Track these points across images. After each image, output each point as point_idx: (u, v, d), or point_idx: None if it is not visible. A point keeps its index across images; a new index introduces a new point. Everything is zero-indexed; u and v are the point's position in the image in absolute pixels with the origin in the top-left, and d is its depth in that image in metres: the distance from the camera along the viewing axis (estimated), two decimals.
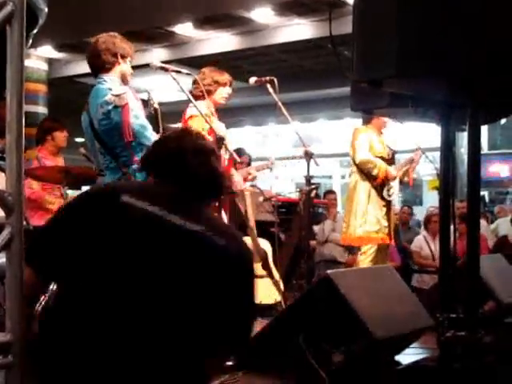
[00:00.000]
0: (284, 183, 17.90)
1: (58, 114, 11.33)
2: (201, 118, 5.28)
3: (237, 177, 5.62)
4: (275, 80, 5.36)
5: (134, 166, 4.58)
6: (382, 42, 2.42)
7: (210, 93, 5.43)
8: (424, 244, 9.16)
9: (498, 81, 2.56)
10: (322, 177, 17.85)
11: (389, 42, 2.39)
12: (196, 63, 10.10)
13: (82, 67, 13.01)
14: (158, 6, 10.30)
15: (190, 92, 5.23)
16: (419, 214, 12.49)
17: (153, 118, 5.01)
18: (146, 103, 4.98)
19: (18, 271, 1.88)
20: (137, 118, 4.50)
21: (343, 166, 17.62)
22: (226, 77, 5.62)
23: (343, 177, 18.04)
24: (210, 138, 5.27)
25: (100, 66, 4.66)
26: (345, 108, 13.56)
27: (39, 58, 12.77)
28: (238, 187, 5.67)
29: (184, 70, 4.92)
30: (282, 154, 17.17)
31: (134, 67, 4.82)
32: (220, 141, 4.69)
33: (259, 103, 14.23)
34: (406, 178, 6.89)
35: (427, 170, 16.60)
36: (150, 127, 4.56)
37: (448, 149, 3.00)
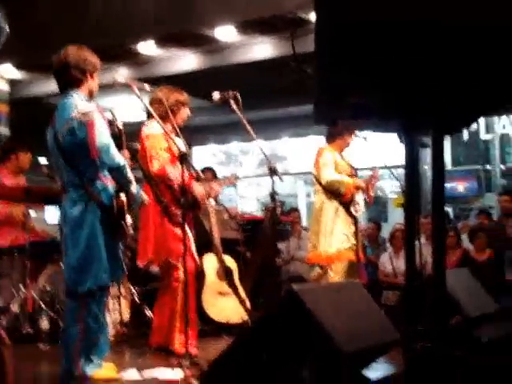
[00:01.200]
0: (249, 203, 17.88)
1: (21, 135, 11.24)
2: (158, 136, 5.31)
3: (198, 187, 5.52)
4: (238, 95, 5.35)
5: (99, 184, 4.55)
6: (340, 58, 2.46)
7: (173, 113, 5.41)
8: (388, 261, 9.19)
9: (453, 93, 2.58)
10: (287, 195, 17.83)
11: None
12: (159, 82, 10.07)
13: (45, 87, 12.95)
14: (120, 24, 10.29)
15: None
16: (385, 231, 12.51)
17: (116, 137, 4.99)
18: (109, 123, 4.96)
19: None
20: (101, 135, 4.47)
21: (308, 183, 17.65)
22: (186, 97, 5.66)
23: (308, 195, 18.05)
24: (168, 155, 5.27)
25: (68, 82, 4.65)
26: (309, 126, 13.66)
27: (0, 78, 12.66)
28: (201, 197, 5.60)
29: (147, 87, 4.91)
30: (246, 173, 17.23)
31: None
32: (182, 157, 4.67)
33: (223, 122, 14.21)
34: (365, 196, 6.87)
35: (392, 187, 16.70)
36: (113, 146, 4.55)
37: (412, 164, 2.99)
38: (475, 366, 5.08)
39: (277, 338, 3.91)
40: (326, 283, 6.28)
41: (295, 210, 10.62)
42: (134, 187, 4.68)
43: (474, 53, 2.49)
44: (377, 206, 18.37)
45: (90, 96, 4.71)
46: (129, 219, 4.75)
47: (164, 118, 5.21)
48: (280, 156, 17.69)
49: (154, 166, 5.30)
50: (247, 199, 18.16)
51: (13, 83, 13.10)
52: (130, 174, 4.65)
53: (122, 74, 5.00)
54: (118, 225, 4.59)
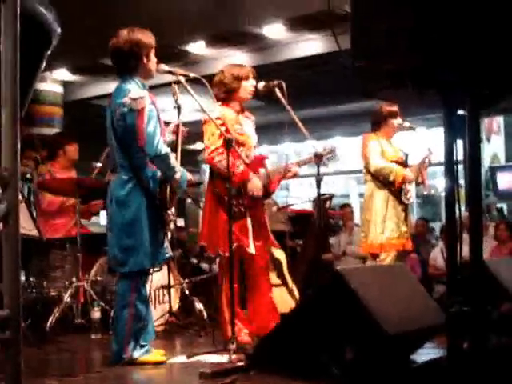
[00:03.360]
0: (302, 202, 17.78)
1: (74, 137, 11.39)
2: (211, 122, 5.24)
3: (254, 182, 5.35)
4: (283, 84, 5.30)
5: (148, 170, 4.61)
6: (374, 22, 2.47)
7: (234, 91, 5.39)
8: (439, 255, 9.12)
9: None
10: (340, 196, 17.76)
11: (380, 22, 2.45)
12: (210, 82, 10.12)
13: (97, 89, 13.15)
14: (170, 25, 10.37)
15: (215, 95, 5.24)
16: (439, 229, 12.42)
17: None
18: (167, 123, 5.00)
19: (15, 246, 1.87)
20: (148, 123, 4.54)
21: (360, 183, 17.54)
22: (246, 70, 5.50)
23: (361, 195, 17.92)
24: (220, 143, 5.19)
25: (123, 68, 4.74)
26: (361, 123, 13.54)
27: (54, 81, 12.87)
28: (255, 194, 5.37)
29: (191, 74, 4.94)
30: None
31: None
32: (228, 143, 4.68)
33: (275, 121, 14.20)
34: (419, 179, 6.82)
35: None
36: (158, 136, 4.58)
37: (450, 152, 2.92)
38: None
39: (321, 320, 3.91)
40: (371, 265, 6.25)
41: (348, 205, 10.59)
42: (179, 174, 4.68)
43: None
44: (430, 205, 18.17)
45: (148, 76, 4.80)
46: (172, 210, 4.80)
47: (227, 98, 5.21)
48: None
49: (205, 154, 5.30)
50: (300, 199, 18.10)
51: (66, 85, 13.30)
52: (173, 162, 4.65)
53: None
54: (160, 214, 4.65)
